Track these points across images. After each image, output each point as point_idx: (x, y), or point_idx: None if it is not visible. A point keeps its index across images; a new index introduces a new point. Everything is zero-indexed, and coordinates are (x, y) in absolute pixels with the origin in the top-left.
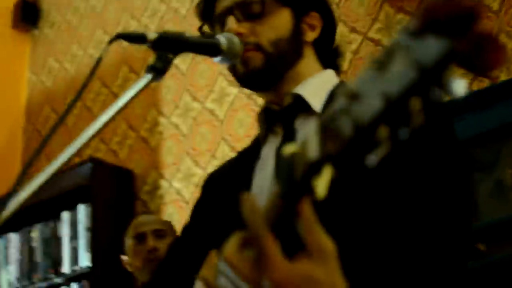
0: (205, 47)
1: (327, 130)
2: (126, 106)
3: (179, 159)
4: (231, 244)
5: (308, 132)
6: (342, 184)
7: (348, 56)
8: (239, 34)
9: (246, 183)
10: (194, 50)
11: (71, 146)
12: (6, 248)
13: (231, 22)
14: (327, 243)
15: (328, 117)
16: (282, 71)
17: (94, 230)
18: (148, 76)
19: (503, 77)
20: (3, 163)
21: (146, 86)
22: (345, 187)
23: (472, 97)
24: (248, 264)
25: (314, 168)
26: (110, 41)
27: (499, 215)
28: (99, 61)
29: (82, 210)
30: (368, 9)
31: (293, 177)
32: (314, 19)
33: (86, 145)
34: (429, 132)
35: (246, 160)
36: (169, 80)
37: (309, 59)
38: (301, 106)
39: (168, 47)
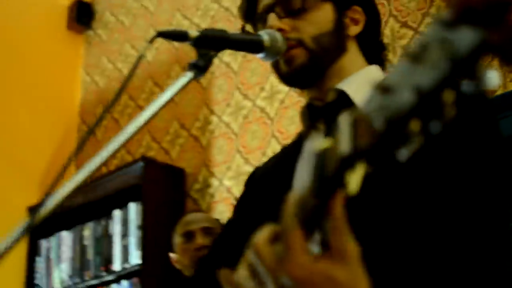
0: (248, 44)
1: (359, 125)
2: (167, 104)
3: (230, 157)
4: (263, 235)
5: (341, 127)
6: (374, 179)
7: (399, 51)
8: (281, 30)
9: (288, 179)
10: (236, 47)
11: (114, 141)
12: (59, 246)
13: (273, 18)
14: (351, 245)
15: (360, 111)
16: (325, 67)
17: (145, 228)
18: (190, 74)
19: None
20: (59, 162)
21: (188, 83)
22: (378, 182)
23: None
24: (274, 257)
25: (346, 163)
26: (152, 39)
27: None
28: (140, 58)
29: (133, 209)
30: (419, 4)
31: (325, 173)
32: (357, 13)
33: (127, 142)
34: (463, 125)
35: (289, 156)
36: (221, 78)
37: (353, 54)
38: (345, 102)
39: (209, 44)
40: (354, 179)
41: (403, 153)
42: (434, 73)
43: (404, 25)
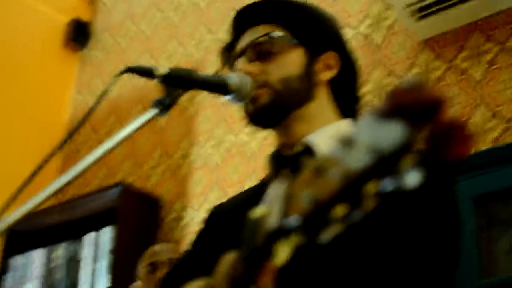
0: (215, 85)
1: (290, 200)
2: (125, 139)
3: (208, 190)
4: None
5: (275, 198)
6: (302, 252)
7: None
8: (249, 73)
9: (246, 221)
10: (204, 88)
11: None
12: (29, 264)
13: (242, 62)
14: None
15: (293, 187)
16: (289, 108)
17: (117, 253)
18: (154, 111)
19: None
20: (41, 178)
21: (150, 120)
22: (306, 256)
23: (499, 150)
24: None
25: (275, 236)
26: (119, 74)
27: None
28: (104, 92)
29: (107, 233)
30: (408, 53)
31: (255, 241)
32: (331, 58)
33: (80, 175)
34: (382, 217)
35: (250, 200)
36: (207, 110)
37: (323, 100)
38: (311, 154)
39: (177, 83)
40: (282, 251)
41: (324, 237)
42: (359, 162)
43: (391, 73)
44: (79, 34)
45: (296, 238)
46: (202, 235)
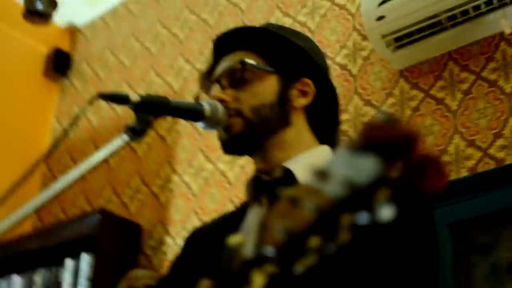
0: (188, 112)
1: (265, 230)
2: (95, 166)
3: (186, 217)
4: None
5: (250, 227)
6: (276, 282)
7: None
8: (222, 101)
9: (221, 248)
10: (177, 115)
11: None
12: None
13: (215, 89)
14: None
15: (268, 217)
16: (263, 137)
17: (95, 280)
18: (125, 137)
19: (509, 160)
20: (18, 206)
21: (122, 146)
22: (280, 286)
23: (475, 178)
24: None
25: (249, 264)
26: (91, 100)
27: None
28: (77, 118)
29: (86, 260)
30: (384, 83)
31: (231, 269)
32: (306, 85)
33: (49, 202)
34: (357, 250)
35: (228, 225)
36: (185, 139)
37: (299, 127)
38: (290, 180)
39: (149, 109)
40: (258, 280)
41: (299, 267)
42: (332, 195)
43: (368, 103)
44: (59, 64)
45: (271, 268)
46: (179, 260)
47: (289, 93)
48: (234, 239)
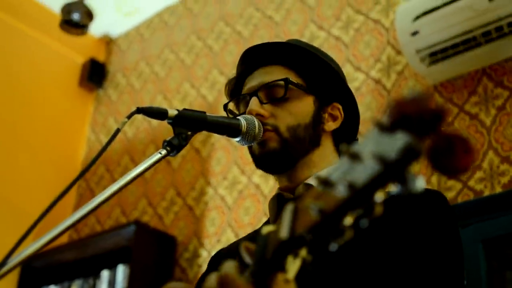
0: (225, 127)
1: (298, 213)
2: (136, 178)
3: (221, 230)
4: None
5: (284, 214)
6: (311, 264)
7: None
8: (259, 116)
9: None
10: (214, 130)
11: (82, 209)
12: None
13: (254, 103)
14: None
15: (301, 200)
16: (297, 157)
17: None
18: (162, 151)
19: None
20: (55, 216)
21: (160, 161)
22: (315, 267)
23: (509, 194)
24: None
25: (285, 247)
26: (131, 115)
27: None
28: (116, 132)
29: (121, 271)
30: None
31: (265, 255)
32: (337, 110)
33: (93, 212)
34: (388, 223)
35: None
36: (220, 151)
37: (326, 149)
38: None
39: (187, 124)
40: (292, 264)
41: (334, 245)
42: (366, 172)
43: None
44: (95, 74)
45: (305, 250)
46: (203, 279)
47: (322, 116)
48: (267, 228)
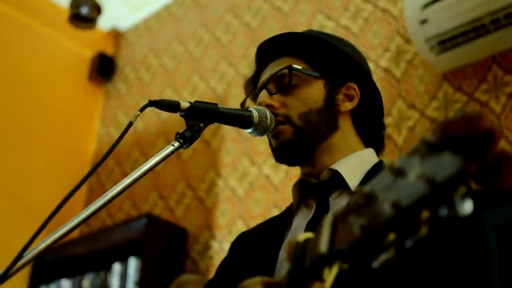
0: (236, 119)
1: (339, 226)
2: (148, 171)
3: (232, 222)
4: None
5: (323, 224)
6: (349, 278)
7: (403, 132)
8: (269, 106)
9: (272, 250)
10: (226, 121)
11: (95, 203)
12: None
13: (263, 95)
14: None
15: (342, 213)
16: (314, 144)
17: (142, 284)
18: (175, 144)
19: None
20: (67, 211)
21: (173, 153)
22: (352, 282)
23: None
24: None
25: (323, 260)
26: (143, 108)
27: None
28: (129, 126)
29: (133, 264)
30: (427, 87)
31: (303, 265)
32: (352, 89)
33: (105, 206)
34: (432, 245)
35: (277, 227)
36: (230, 143)
37: (346, 131)
38: (338, 182)
39: (199, 116)
40: (329, 276)
41: (376, 262)
42: (412, 192)
43: (411, 106)
44: (103, 68)
45: (344, 264)
46: (225, 262)
47: (336, 98)
48: (304, 235)
